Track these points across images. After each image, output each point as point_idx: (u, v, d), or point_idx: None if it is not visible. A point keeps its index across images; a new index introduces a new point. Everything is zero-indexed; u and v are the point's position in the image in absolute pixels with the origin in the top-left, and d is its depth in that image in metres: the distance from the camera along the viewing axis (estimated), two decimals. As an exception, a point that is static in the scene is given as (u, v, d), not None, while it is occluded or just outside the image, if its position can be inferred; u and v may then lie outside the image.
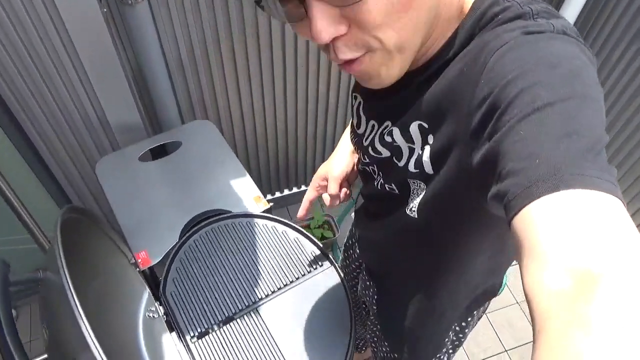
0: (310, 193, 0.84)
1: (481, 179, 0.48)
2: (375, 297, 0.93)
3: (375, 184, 0.68)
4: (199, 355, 0.83)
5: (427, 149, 0.54)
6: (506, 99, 0.41)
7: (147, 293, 0.85)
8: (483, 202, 0.49)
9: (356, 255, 0.96)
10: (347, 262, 1.02)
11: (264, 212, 1.06)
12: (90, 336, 0.51)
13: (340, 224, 1.93)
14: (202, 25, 1.14)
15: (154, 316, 0.83)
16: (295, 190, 1.83)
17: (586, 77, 0.41)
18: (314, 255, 0.97)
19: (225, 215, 1.01)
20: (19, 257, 1.43)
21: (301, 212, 0.83)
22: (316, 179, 0.83)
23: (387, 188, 0.65)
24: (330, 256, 0.97)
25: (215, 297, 0.90)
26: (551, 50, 0.42)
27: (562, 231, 0.35)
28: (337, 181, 0.79)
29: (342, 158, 0.80)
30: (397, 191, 0.64)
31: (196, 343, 0.84)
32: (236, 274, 0.93)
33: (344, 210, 2.01)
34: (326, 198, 0.81)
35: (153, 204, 1.09)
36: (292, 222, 1.01)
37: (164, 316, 0.85)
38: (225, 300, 0.90)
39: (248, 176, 1.16)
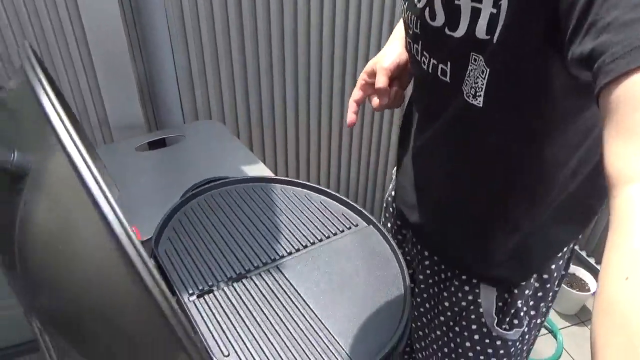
0: (355, 93, 0.70)
1: (564, 32, 0.38)
2: (426, 251, 0.73)
3: (424, 66, 0.57)
4: (200, 313, 0.59)
5: (504, 4, 0.44)
6: None
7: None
8: (569, 67, 0.39)
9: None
10: (390, 223, 0.83)
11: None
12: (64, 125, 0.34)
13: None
14: (213, 14, 1.12)
15: (140, 266, 0.61)
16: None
17: None
18: (345, 216, 0.78)
19: (234, 179, 0.84)
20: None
21: (349, 117, 0.68)
22: (362, 76, 0.70)
23: (439, 71, 0.54)
24: (369, 215, 0.78)
25: (223, 256, 0.69)
26: None
27: None
28: (387, 73, 0.65)
29: (394, 49, 0.68)
30: (448, 75, 0.53)
31: (196, 301, 0.61)
32: (250, 234, 0.73)
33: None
34: (375, 102, 0.67)
35: (149, 188, 0.92)
36: (315, 185, 0.83)
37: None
38: (236, 258, 0.68)
39: (262, 164, 1.01)
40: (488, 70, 0.48)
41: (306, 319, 0.59)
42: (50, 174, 0.33)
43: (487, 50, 0.47)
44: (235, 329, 0.57)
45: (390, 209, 0.83)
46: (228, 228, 0.74)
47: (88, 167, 0.33)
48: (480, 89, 0.50)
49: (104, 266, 0.35)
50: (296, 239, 0.73)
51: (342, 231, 0.75)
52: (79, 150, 0.33)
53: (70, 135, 0.33)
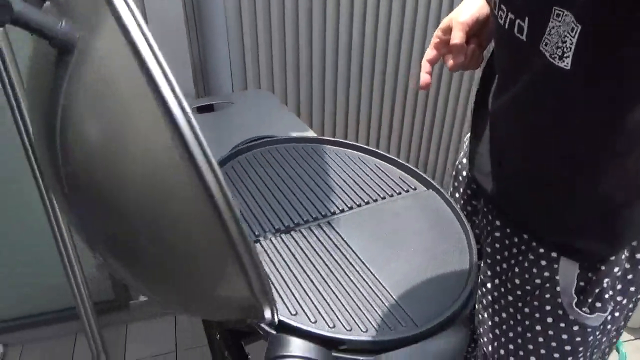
0: (429, 52, 0.63)
1: None
2: (497, 222, 0.66)
3: (501, 21, 0.51)
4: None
5: None
6: None
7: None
8: None
9: (470, 177, 0.71)
10: (459, 193, 0.76)
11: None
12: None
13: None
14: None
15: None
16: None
17: None
18: (402, 179, 0.72)
19: (285, 138, 0.80)
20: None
21: (423, 77, 0.61)
22: (437, 33, 0.63)
23: (515, 27, 0.49)
24: (429, 179, 0.71)
25: (271, 208, 0.65)
26: None
27: None
28: (464, 28, 0.59)
29: (473, 2, 0.61)
30: (524, 33, 0.48)
31: (242, 248, 0.57)
32: (300, 190, 0.69)
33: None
34: (450, 62, 0.61)
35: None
36: (370, 147, 0.78)
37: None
38: (285, 212, 0.64)
39: (311, 130, 0.97)
40: (579, 27, 0.42)
41: (357, 272, 0.54)
42: (100, 46, 0.30)
43: (576, 5, 0.41)
44: (282, 278, 0.53)
45: (460, 177, 0.76)
46: (277, 183, 0.70)
47: (145, 36, 0.29)
48: (568, 49, 0.44)
49: (160, 162, 0.31)
50: (349, 197, 0.67)
51: (399, 193, 0.69)
52: (135, 18, 0.29)
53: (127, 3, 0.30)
